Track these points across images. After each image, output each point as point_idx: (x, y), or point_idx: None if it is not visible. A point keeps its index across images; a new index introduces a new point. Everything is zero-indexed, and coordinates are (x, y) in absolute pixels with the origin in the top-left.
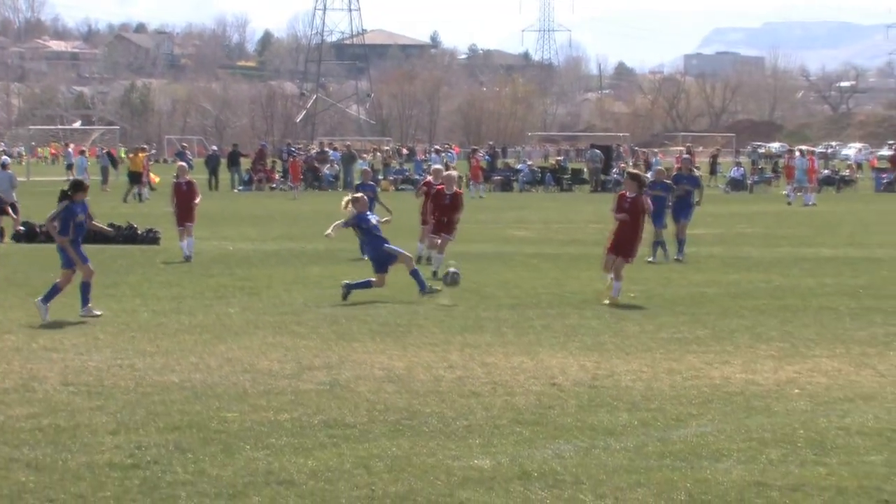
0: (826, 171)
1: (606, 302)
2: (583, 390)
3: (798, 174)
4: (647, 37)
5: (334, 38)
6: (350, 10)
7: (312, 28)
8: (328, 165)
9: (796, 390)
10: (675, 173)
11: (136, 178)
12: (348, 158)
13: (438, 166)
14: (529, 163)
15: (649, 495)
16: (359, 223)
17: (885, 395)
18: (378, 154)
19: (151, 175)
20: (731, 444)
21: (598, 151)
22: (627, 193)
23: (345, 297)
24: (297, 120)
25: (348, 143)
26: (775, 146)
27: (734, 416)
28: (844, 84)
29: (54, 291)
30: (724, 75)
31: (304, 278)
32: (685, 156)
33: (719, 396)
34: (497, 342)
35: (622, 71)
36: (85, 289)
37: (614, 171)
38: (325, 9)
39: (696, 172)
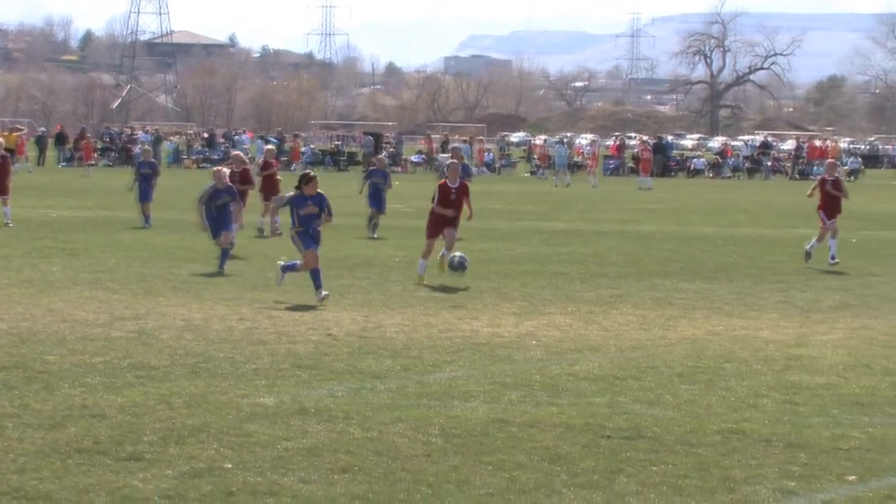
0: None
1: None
2: (353, 340)
3: (558, 160)
4: (412, 41)
5: (146, 37)
6: (160, 13)
7: (127, 28)
8: (139, 146)
9: (534, 342)
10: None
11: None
12: (156, 140)
13: (270, 146)
14: (312, 146)
15: (408, 429)
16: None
17: (609, 346)
18: (183, 137)
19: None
20: (477, 386)
21: (370, 137)
22: (449, 182)
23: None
24: (113, 107)
25: (157, 127)
26: (519, 136)
27: (481, 363)
28: (578, 84)
29: (292, 267)
30: (478, 75)
31: (117, 242)
32: (454, 146)
33: (468, 346)
34: (281, 298)
35: (391, 70)
36: (313, 274)
37: (384, 153)
38: (138, 12)
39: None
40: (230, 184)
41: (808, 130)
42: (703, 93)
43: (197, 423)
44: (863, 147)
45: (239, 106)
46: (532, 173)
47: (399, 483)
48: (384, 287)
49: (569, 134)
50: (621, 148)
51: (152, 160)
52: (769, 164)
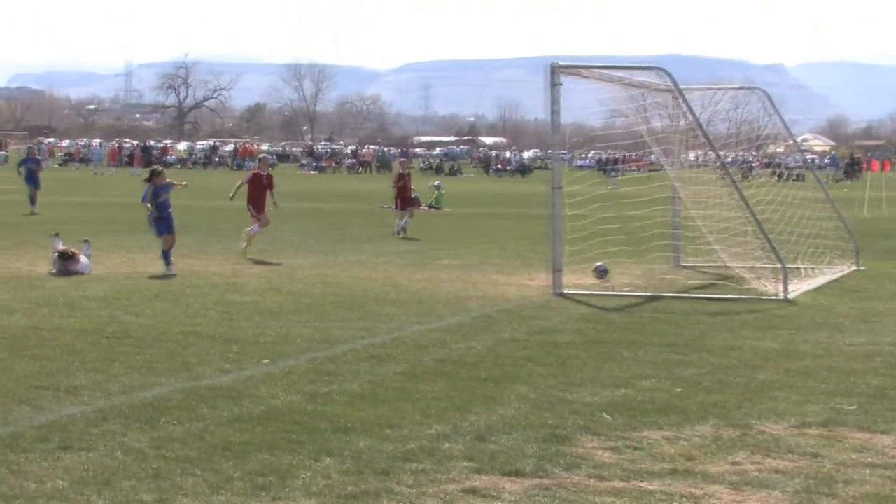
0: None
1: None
2: None
3: (96, 156)
4: None
5: None
6: None
7: None
8: None
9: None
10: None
11: None
12: None
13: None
14: None
15: None
16: None
17: (109, 277)
18: None
19: None
20: (20, 305)
21: None
22: (261, 171)
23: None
24: None
25: None
26: (50, 140)
27: (22, 290)
28: (92, 106)
29: None
30: (22, 100)
31: None
32: (30, 145)
33: (14, 279)
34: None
35: None
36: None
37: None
38: None
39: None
40: None
41: (241, 137)
42: (175, 113)
43: None
44: (279, 148)
45: None
46: (60, 164)
47: None
48: None
49: (86, 139)
50: (122, 148)
51: None
52: (217, 160)
